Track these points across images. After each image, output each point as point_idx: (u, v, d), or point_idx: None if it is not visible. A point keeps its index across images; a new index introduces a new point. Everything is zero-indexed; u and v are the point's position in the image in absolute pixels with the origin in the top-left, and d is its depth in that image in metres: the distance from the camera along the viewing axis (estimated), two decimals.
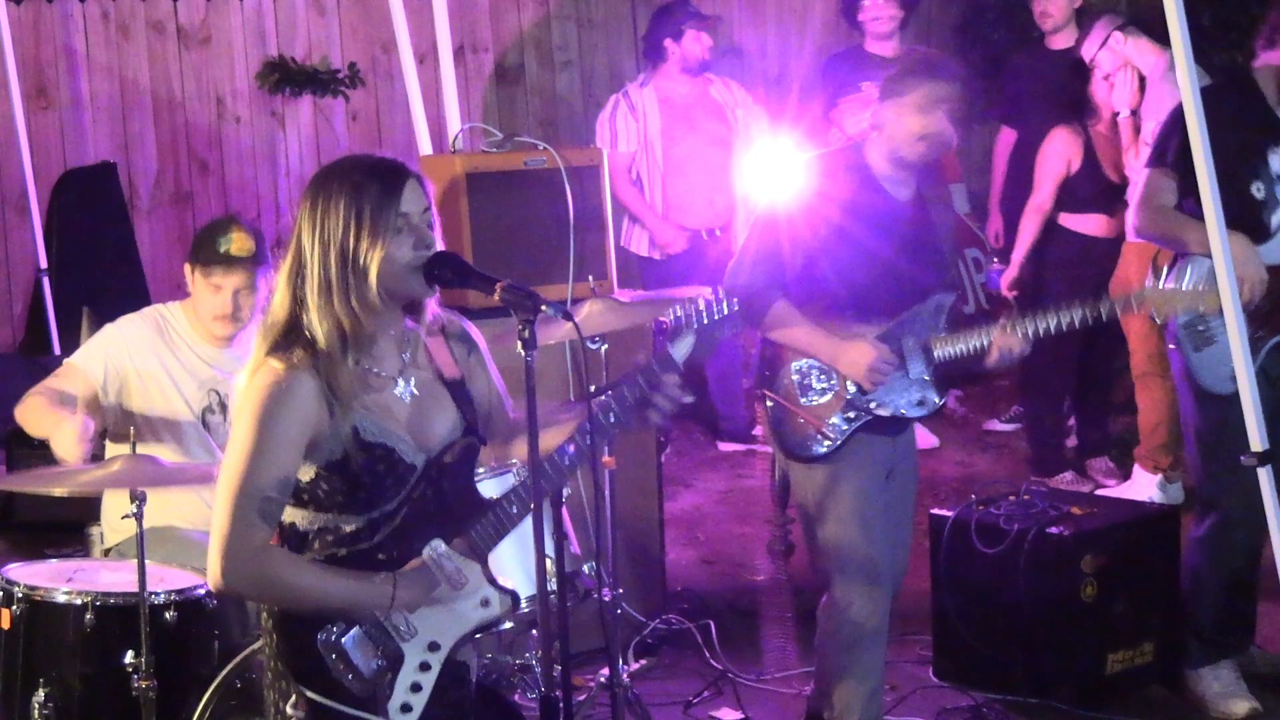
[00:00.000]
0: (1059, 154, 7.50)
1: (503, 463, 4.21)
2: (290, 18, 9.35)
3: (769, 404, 4.84)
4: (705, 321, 3.48)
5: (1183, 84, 4.72)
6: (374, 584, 3.31)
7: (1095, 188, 7.51)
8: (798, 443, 4.79)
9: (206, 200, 9.21)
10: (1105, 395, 8.07)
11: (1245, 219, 5.01)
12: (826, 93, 8.22)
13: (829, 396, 4.75)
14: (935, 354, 4.76)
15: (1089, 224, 7.55)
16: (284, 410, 3.26)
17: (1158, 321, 5.11)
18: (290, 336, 3.32)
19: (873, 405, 4.74)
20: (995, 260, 8.25)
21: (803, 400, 4.77)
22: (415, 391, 3.42)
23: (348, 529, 3.35)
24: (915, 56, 4.93)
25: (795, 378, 4.77)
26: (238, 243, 4.79)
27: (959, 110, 4.74)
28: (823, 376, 4.76)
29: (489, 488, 4.20)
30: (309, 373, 3.28)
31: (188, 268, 4.90)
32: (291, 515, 3.36)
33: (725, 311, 3.50)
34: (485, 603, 3.42)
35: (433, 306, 3.46)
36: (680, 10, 8.28)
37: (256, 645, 4.00)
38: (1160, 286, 4.93)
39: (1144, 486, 7.25)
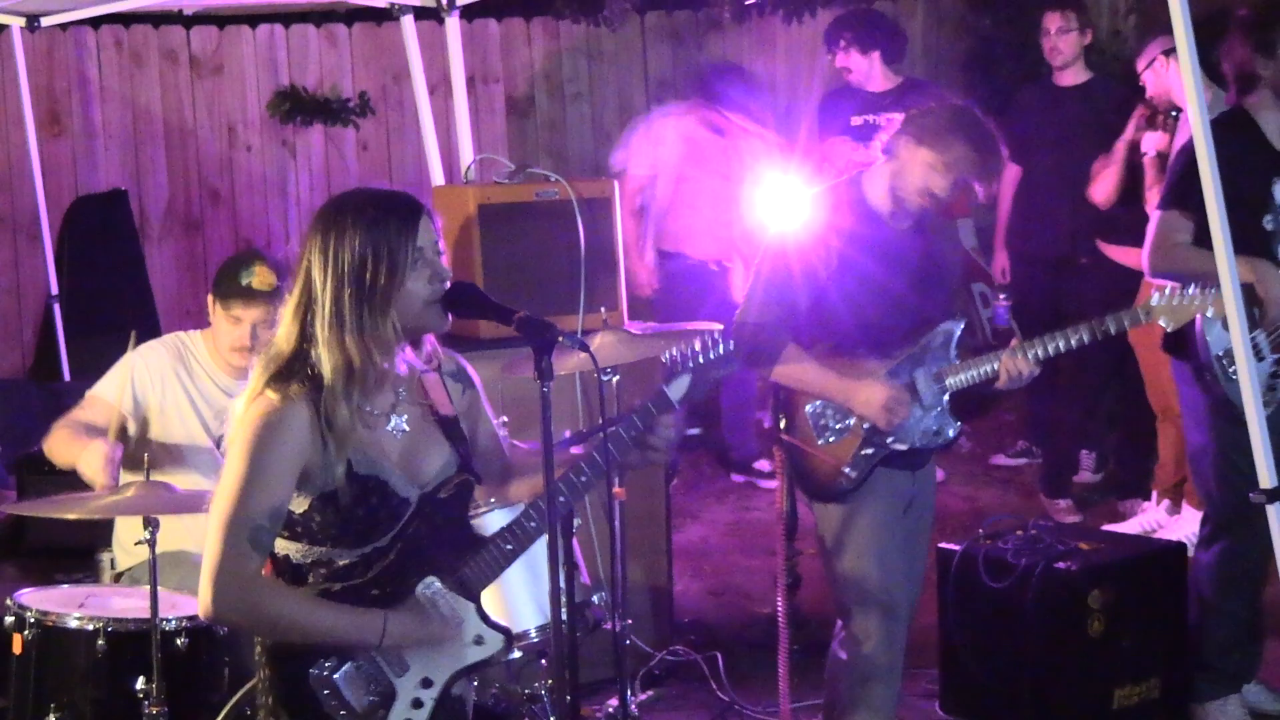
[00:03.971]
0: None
1: (504, 501, 4.22)
2: (302, 47, 9.40)
3: (786, 446, 4.82)
4: (701, 362, 3.50)
5: (1189, 99, 4.70)
6: (365, 618, 3.31)
7: (1135, 220, 7.47)
8: (819, 484, 4.77)
9: (217, 228, 9.25)
10: (1123, 435, 8.05)
11: (1258, 251, 5.02)
12: (820, 129, 8.30)
13: (846, 435, 4.73)
14: (948, 384, 4.76)
15: (1129, 256, 7.53)
16: (276, 440, 3.26)
17: (1168, 330, 5.05)
18: (292, 369, 3.31)
19: (890, 441, 4.72)
20: (1002, 295, 8.26)
21: (820, 441, 4.75)
22: (406, 428, 3.41)
23: (341, 563, 3.35)
24: (954, 109, 4.77)
25: (811, 419, 4.76)
26: (260, 277, 4.80)
27: (975, 175, 4.67)
28: (838, 416, 4.73)
29: (496, 519, 4.23)
30: (304, 403, 3.28)
31: (210, 298, 4.92)
32: (286, 548, 3.36)
33: (721, 352, 3.51)
34: (479, 641, 3.42)
35: (431, 340, 3.45)
36: (740, 83, 8.37)
37: None
38: (1167, 296, 4.88)
39: (1191, 522, 6.94)
